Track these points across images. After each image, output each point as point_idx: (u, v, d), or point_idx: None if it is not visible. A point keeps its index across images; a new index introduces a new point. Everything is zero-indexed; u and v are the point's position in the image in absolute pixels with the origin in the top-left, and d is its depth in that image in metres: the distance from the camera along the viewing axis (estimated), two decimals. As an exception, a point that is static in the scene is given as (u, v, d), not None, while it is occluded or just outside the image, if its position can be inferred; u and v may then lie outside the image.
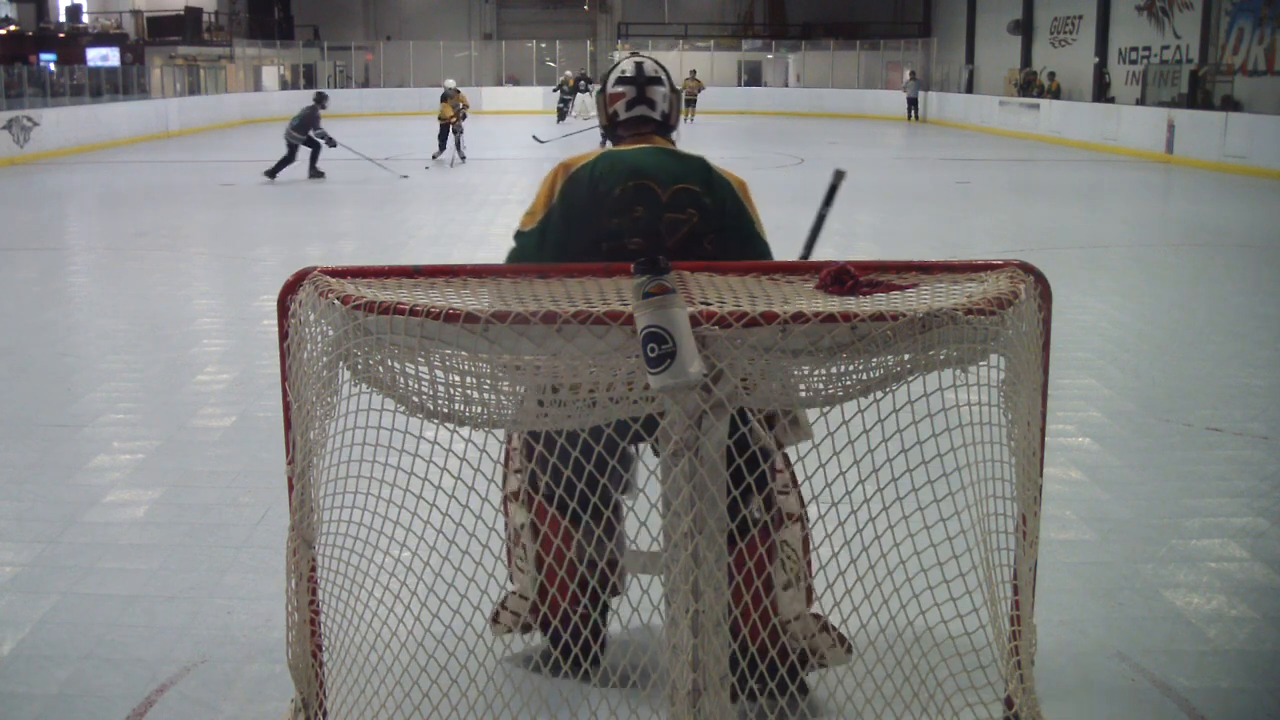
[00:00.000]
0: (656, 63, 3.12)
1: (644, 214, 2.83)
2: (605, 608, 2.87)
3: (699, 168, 2.94)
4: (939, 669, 2.27)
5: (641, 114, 3.01)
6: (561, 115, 29.73)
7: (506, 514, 2.98)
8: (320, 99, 17.27)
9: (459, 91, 19.90)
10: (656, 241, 2.82)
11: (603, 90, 3.11)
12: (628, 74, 3.04)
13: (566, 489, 2.32)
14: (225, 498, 4.44)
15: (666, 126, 3.06)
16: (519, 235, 2.93)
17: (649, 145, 2.99)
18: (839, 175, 3.48)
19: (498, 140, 19.62)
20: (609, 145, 3.09)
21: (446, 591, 2.26)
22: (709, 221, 2.88)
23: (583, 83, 30.31)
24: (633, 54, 3.30)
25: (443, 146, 19.57)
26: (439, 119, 19.49)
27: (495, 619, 3.02)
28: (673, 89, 3.09)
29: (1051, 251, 10.35)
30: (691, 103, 29.78)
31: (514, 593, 2.99)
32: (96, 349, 6.95)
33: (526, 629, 3.01)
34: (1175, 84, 23.48)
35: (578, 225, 2.85)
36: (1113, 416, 5.49)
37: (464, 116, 19.63)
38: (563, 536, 2.70)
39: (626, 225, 2.83)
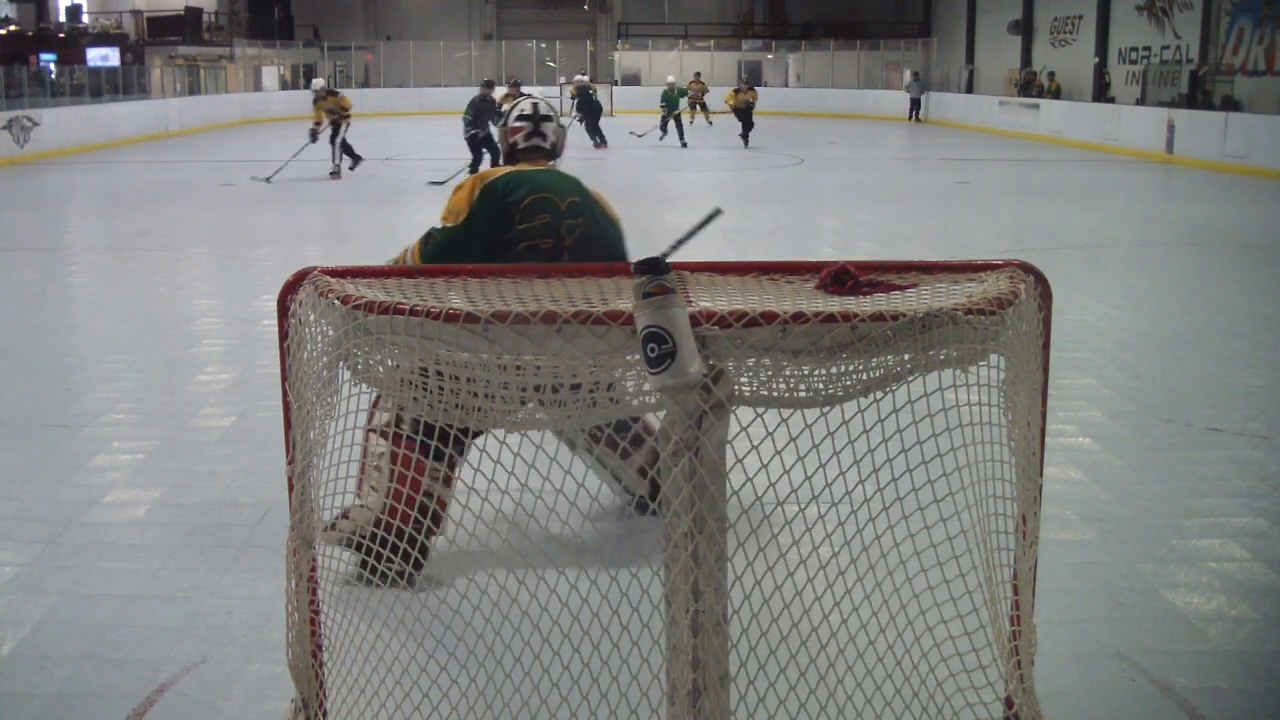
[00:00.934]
0: (548, 104, 4.09)
1: (550, 220, 3.65)
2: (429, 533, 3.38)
3: (579, 185, 3.84)
4: (939, 669, 2.27)
5: (536, 144, 3.95)
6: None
7: (366, 443, 3.50)
8: (488, 85, 16.36)
9: (336, 93, 17.22)
10: (560, 241, 3.66)
11: (504, 124, 4.00)
12: (526, 113, 3.98)
13: (425, 431, 2.86)
14: (225, 498, 4.44)
15: (554, 154, 4.00)
16: (444, 229, 3.70)
17: (545, 167, 3.87)
18: (716, 212, 4.32)
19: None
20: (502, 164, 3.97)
21: (446, 591, 2.26)
22: (593, 226, 3.74)
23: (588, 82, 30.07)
24: (528, 96, 4.19)
25: (354, 158, 17.16)
26: (314, 126, 16.77)
27: (330, 528, 3.34)
28: (559, 125, 4.03)
29: (1051, 251, 10.36)
30: (701, 105, 28.51)
31: (360, 505, 3.46)
32: (96, 349, 6.95)
33: (348, 544, 3.26)
34: (1175, 84, 23.49)
35: (493, 225, 3.64)
36: (1113, 416, 5.49)
37: (345, 120, 16.79)
38: (415, 467, 3.37)
39: (536, 228, 3.64)
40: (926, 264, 2.17)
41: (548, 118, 3.97)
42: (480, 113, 15.72)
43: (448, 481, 3.41)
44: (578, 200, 3.76)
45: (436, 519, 3.36)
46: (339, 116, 16.63)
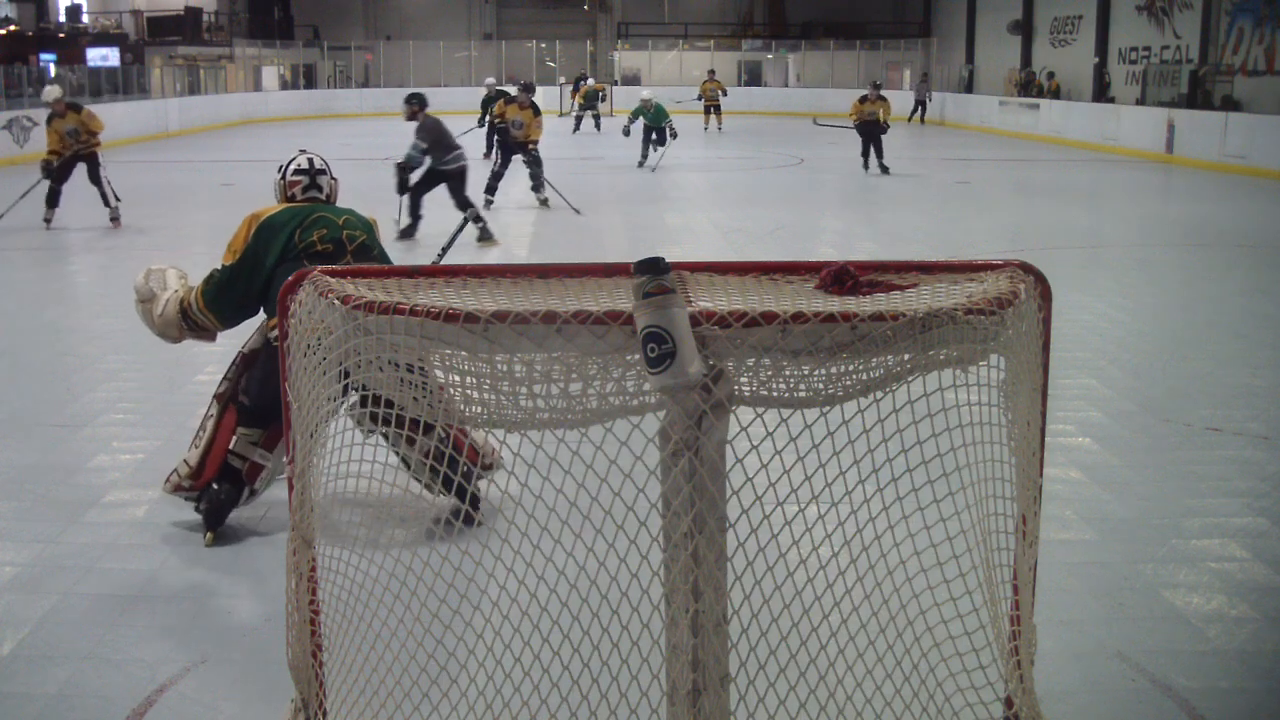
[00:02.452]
0: (323, 159, 4.43)
1: (328, 232, 4.09)
2: (244, 495, 4.08)
3: (352, 211, 4.29)
4: (939, 669, 2.27)
5: (313, 195, 4.32)
6: (580, 121, 26.60)
7: (209, 405, 4.15)
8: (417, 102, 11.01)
9: (77, 108, 11.97)
10: (341, 246, 4.10)
11: (283, 178, 4.35)
12: (304, 168, 4.34)
13: (253, 401, 3.98)
14: (225, 498, 4.43)
15: (329, 202, 4.34)
16: (224, 269, 4.10)
17: (318, 203, 4.28)
18: (471, 216, 5.20)
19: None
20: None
21: (446, 591, 2.26)
22: (371, 239, 4.22)
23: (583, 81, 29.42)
24: (303, 151, 4.51)
25: (51, 203, 11.65)
26: (49, 156, 11.73)
27: (166, 480, 4.15)
28: (332, 176, 4.42)
29: (1051, 251, 10.35)
30: (715, 109, 26.73)
31: (185, 460, 4.09)
32: (96, 349, 6.95)
33: (178, 489, 4.09)
34: (1175, 84, 23.48)
35: (271, 254, 4.04)
36: (1113, 416, 5.49)
37: (89, 149, 11.68)
38: (230, 431, 4.04)
39: (315, 240, 4.07)
40: (926, 264, 2.17)
41: (322, 171, 4.37)
42: (433, 144, 10.80)
43: (267, 445, 4.02)
44: (351, 218, 4.20)
45: (252, 474, 4.03)
46: (86, 144, 11.73)
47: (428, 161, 10.81)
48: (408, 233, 10.95)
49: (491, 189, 13.27)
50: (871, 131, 17.54)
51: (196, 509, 4.09)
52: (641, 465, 1.99)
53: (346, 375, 2.08)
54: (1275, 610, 3.57)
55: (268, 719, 2.93)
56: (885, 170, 17.54)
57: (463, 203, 10.84)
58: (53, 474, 4.72)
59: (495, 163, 13.61)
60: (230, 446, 4.02)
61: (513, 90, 17.81)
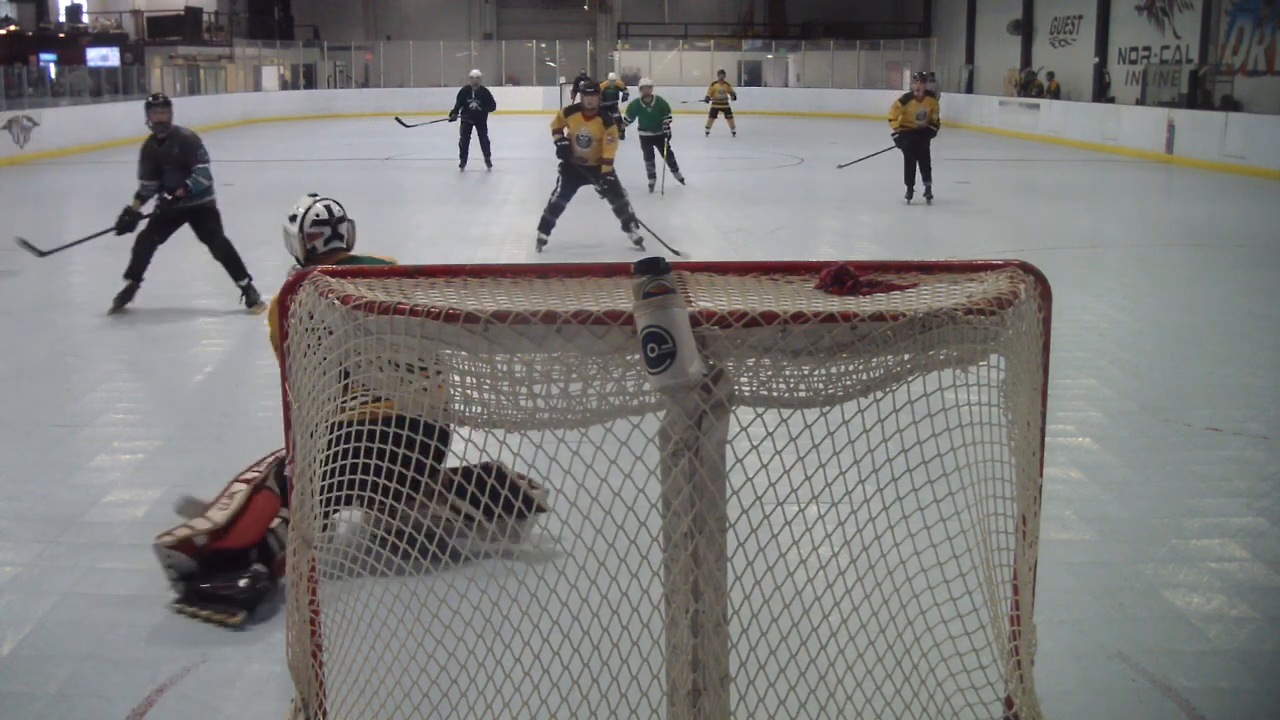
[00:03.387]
0: (339, 204, 4.14)
1: None
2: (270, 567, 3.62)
3: (373, 259, 3.94)
4: (939, 669, 2.27)
5: (336, 246, 4.06)
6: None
7: (228, 487, 3.73)
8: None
9: None
10: None
11: (300, 230, 4.04)
12: (322, 218, 4.05)
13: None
14: (225, 498, 4.43)
15: (349, 249, 4.12)
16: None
17: (345, 257, 4.01)
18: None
19: (496, 141, 19.57)
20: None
21: (446, 591, 2.26)
22: None
23: (584, 83, 28.74)
24: (318, 199, 4.14)
25: None
26: None
27: (167, 533, 3.60)
28: (348, 219, 4.14)
29: (1051, 251, 10.35)
30: (725, 111, 24.91)
31: (205, 516, 3.62)
32: (96, 349, 6.95)
33: (182, 545, 3.54)
34: (1175, 84, 23.47)
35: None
36: (1113, 416, 5.49)
37: None
38: (268, 508, 3.64)
39: None
40: (926, 264, 2.17)
41: (343, 219, 4.11)
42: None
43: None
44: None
45: (282, 566, 3.59)
46: None
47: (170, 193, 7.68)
48: (124, 298, 7.75)
49: (546, 226, 10.26)
50: (921, 144, 13.39)
51: (175, 577, 3.59)
52: (641, 465, 1.99)
53: (346, 375, 2.08)
54: (1275, 610, 3.57)
55: (268, 719, 2.93)
56: (929, 198, 13.48)
57: (222, 248, 7.94)
58: (53, 474, 4.72)
59: (554, 193, 10.28)
60: (272, 526, 3.66)
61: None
